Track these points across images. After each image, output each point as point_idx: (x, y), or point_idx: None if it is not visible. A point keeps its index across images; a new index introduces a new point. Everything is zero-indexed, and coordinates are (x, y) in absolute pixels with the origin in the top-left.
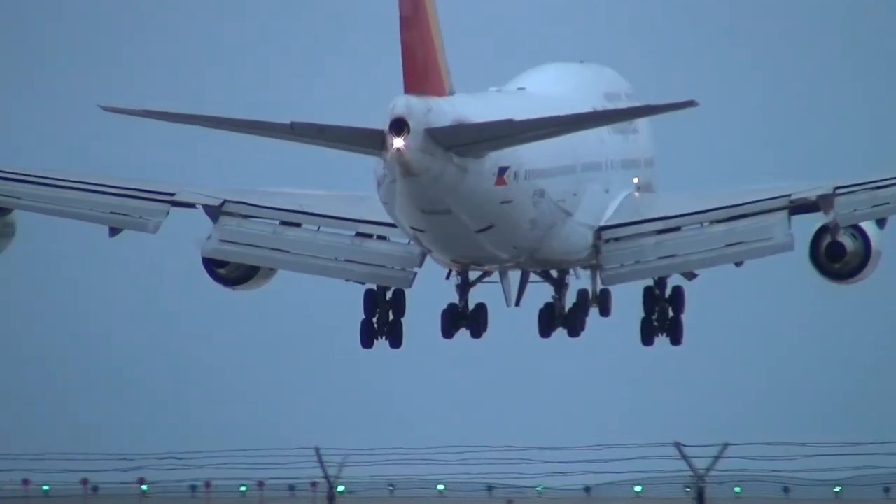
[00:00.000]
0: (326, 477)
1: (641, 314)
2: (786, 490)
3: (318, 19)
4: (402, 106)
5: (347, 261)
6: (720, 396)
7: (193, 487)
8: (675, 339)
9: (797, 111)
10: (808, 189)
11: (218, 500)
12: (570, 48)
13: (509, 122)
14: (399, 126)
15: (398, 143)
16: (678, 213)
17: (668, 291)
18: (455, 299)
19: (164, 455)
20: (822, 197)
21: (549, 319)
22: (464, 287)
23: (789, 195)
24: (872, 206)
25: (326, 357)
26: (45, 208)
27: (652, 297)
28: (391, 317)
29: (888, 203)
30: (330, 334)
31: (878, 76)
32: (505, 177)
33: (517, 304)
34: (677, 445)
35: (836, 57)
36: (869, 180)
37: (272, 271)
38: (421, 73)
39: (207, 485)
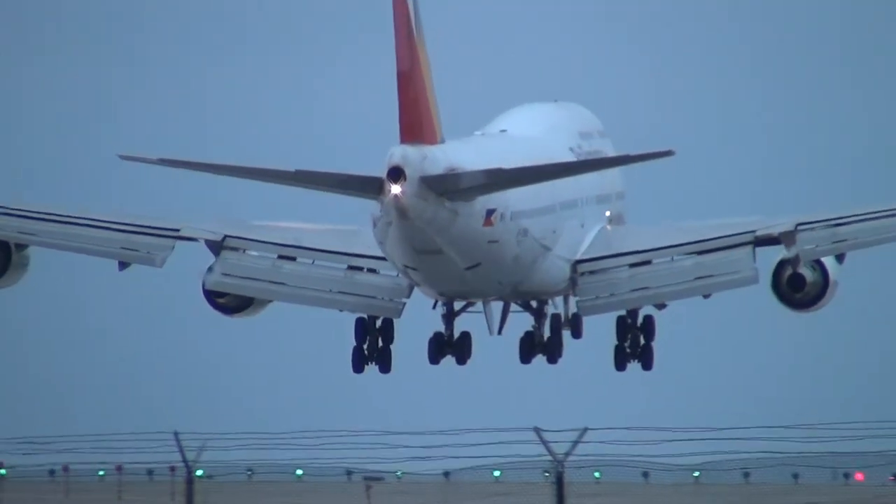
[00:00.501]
0: (185, 461)
1: (615, 342)
2: (645, 475)
3: (317, 66)
4: (399, 155)
5: (340, 292)
6: (580, 383)
7: (52, 472)
8: (647, 365)
9: (764, 147)
10: (772, 226)
11: (76, 484)
12: (546, 85)
13: (498, 171)
14: (396, 174)
15: (395, 189)
16: (649, 247)
17: (639, 320)
18: (441, 328)
19: (22, 440)
20: (785, 234)
21: (530, 347)
22: (449, 317)
23: (754, 231)
24: (833, 243)
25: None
26: (60, 244)
27: (624, 326)
28: (381, 344)
29: (847, 240)
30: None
31: (841, 115)
32: (492, 218)
33: (499, 332)
34: (536, 430)
35: (802, 93)
36: (829, 217)
37: (268, 300)
38: (416, 124)
39: (66, 469)
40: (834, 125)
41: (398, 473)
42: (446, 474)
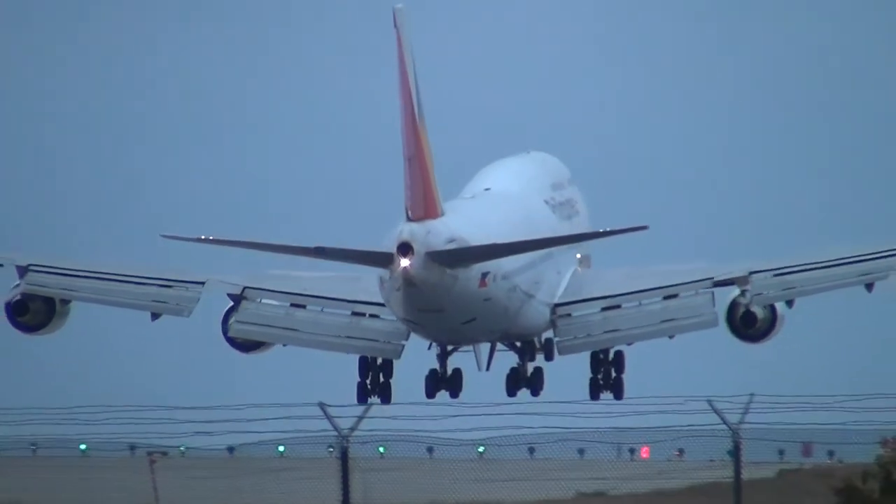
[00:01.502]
0: None
1: (589, 374)
2: (430, 450)
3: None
4: (407, 233)
5: (346, 337)
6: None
7: None
8: (618, 395)
9: (724, 194)
10: (728, 273)
11: None
12: (518, 131)
13: (494, 246)
14: (405, 249)
15: (404, 262)
16: (619, 292)
17: (611, 355)
18: (436, 365)
19: None
20: (739, 279)
21: (515, 382)
22: (443, 356)
23: (712, 277)
24: (782, 290)
25: None
26: (97, 299)
27: (597, 361)
28: (382, 379)
29: (795, 287)
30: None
31: (795, 160)
32: (487, 280)
33: (487, 369)
34: (321, 406)
35: (757, 151)
36: (780, 266)
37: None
38: (420, 202)
39: None
40: (788, 180)
41: (181, 448)
42: (230, 449)
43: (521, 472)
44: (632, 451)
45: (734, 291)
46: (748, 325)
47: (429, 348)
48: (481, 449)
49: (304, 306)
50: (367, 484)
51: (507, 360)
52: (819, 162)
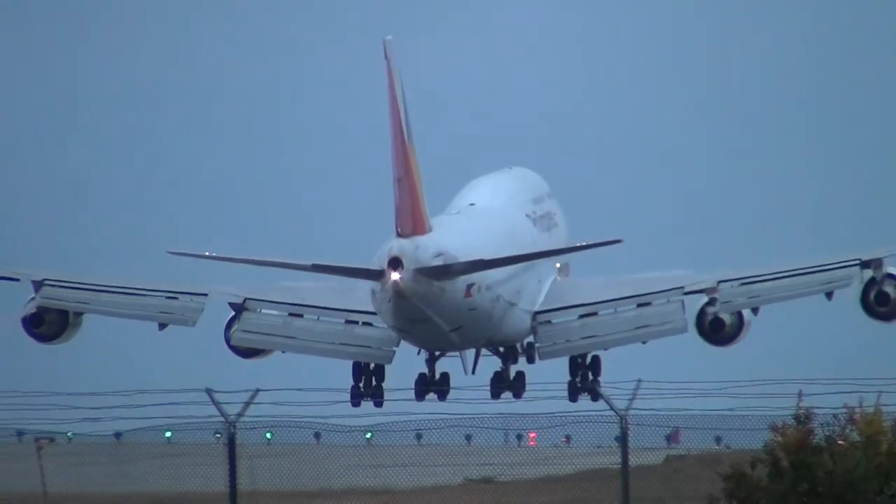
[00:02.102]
0: None
1: (568, 377)
2: (317, 436)
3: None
4: (397, 249)
5: (341, 343)
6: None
7: None
8: (594, 397)
9: (697, 207)
10: (698, 282)
11: None
12: (499, 149)
13: (479, 261)
14: (395, 264)
15: (394, 276)
16: (596, 300)
17: (588, 360)
18: (425, 370)
19: None
20: (708, 289)
21: (499, 384)
22: (431, 361)
23: (683, 287)
24: (748, 298)
25: None
26: (108, 311)
27: (576, 365)
28: (374, 383)
29: (759, 296)
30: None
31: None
32: (472, 291)
33: (473, 372)
34: (208, 391)
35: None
36: (747, 276)
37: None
38: (409, 220)
39: None
40: (754, 194)
41: (69, 434)
42: (118, 435)
43: (408, 457)
44: (519, 437)
45: (703, 299)
46: (716, 330)
47: (418, 353)
48: (369, 435)
49: (301, 315)
50: (254, 470)
51: (491, 364)
52: (784, 176)
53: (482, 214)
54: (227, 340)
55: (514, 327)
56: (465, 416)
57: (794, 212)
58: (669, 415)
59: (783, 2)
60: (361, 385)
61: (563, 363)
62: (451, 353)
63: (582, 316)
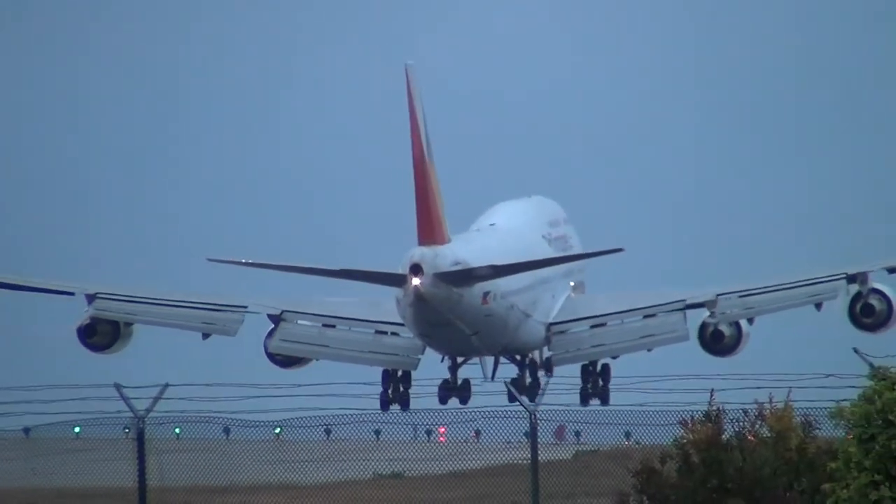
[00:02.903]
0: None
1: (580, 384)
2: (226, 431)
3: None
4: (418, 255)
5: (371, 352)
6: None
7: None
8: (604, 402)
9: (701, 225)
10: (698, 296)
11: None
12: (525, 180)
13: (491, 267)
14: (416, 269)
15: (415, 281)
16: (604, 312)
17: (598, 367)
18: (447, 376)
19: None
20: (708, 302)
21: (516, 391)
22: (454, 367)
23: (685, 300)
24: (744, 309)
25: None
26: (156, 322)
27: (587, 372)
28: (401, 388)
29: (754, 308)
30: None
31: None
32: (488, 298)
33: (492, 379)
34: (117, 386)
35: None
36: (743, 289)
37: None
38: (429, 230)
39: None
40: (753, 212)
41: None
42: (26, 430)
43: (318, 453)
44: (428, 432)
45: (704, 313)
46: (717, 341)
47: (441, 361)
48: (278, 430)
49: (334, 326)
50: (163, 465)
51: (509, 371)
52: (779, 192)
53: (501, 233)
54: (266, 349)
55: (528, 336)
56: (374, 412)
57: (789, 226)
58: (579, 410)
59: (779, 24)
60: (390, 391)
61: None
62: (472, 362)
63: (592, 326)
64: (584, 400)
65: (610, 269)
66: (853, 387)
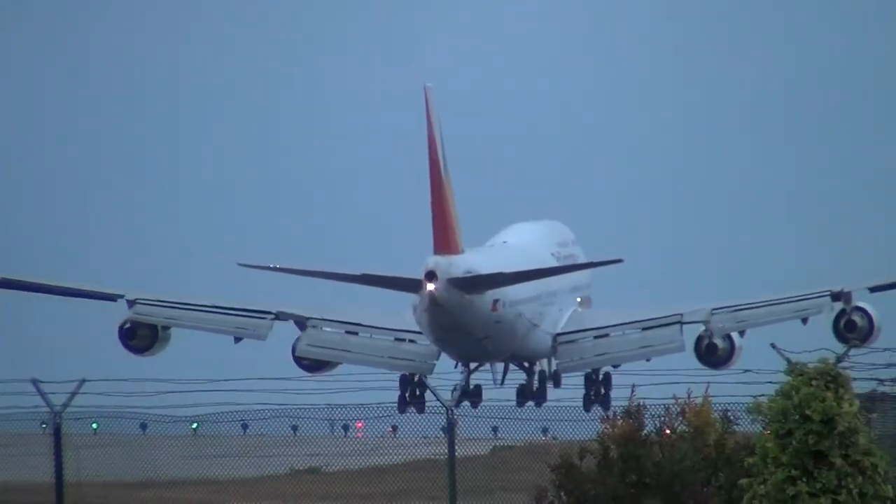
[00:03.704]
0: None
1: (583, 391)
2: (143, 426)
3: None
4: (433, 263)
5: (390, 357)
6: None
7: None
8: (605, 408)
9: (698, 243)
10: (694, 311)
11: None
12: (537, 204)
13: (501, 274)
14: (431, 276)
15: (430, 287)
16: (607, 324)
17: (600, 376)
18: (460, 381)
19: None
20: (703, 317)
21: (523, 395)
22: (466, 374)
23: (681, 314)
24: (736, 323)
25: None
26: (192, 326)
27: (590, 380)
28: (418, 392)
29: (746, 321)
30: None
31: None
32: (497, 305)
33: (502, 384)
34: (34, 381)
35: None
36: (734, 304)
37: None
38: (444, 240)
39: None
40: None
41: None
42: None
43: (235, 448)
44: (346, 427)
45: (700, 328)
46: (711, 354)
47: (455, 367)
48: (195, 425)
49: (356, 333)
50: (80, 461)
51: (518, 376)
52: (768, 214)
53: (512, 249)
54: (293, 353)
55: (536, 344)
56: (291, 407)
57: (780, 241)
58: (496, 406)
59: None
60: (407, 394)
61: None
62: (483, 368)
63: (596, 337)
64: (587, 406)
65: (613, 282)
66: (771, 382)
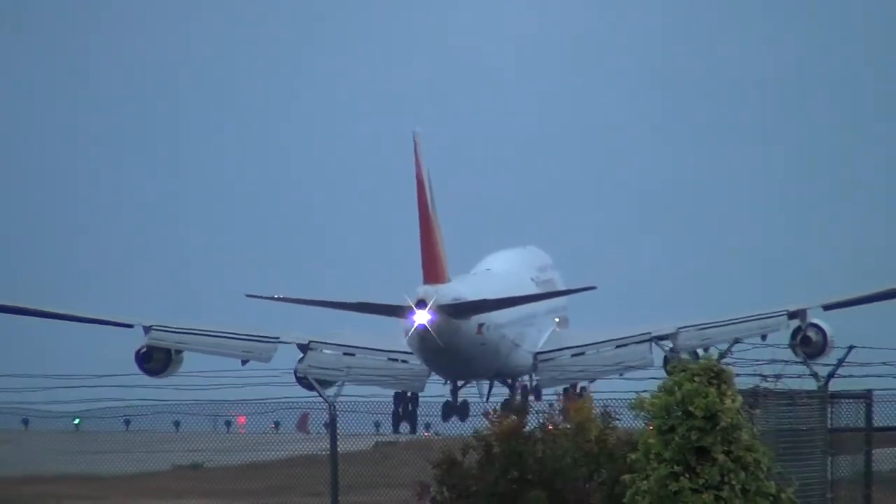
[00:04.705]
0: None
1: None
2: (25, 422)
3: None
4: (422, 292)
5: (383, 376)
6: None
7: None
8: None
9: (666, 265)
10: (661, 328)
11: None
12: (520, 229)
13: (485, 301)
14: (421, 304)
15: (420, 314)
16: (583, 342)
17: (578, 389)
18: (449, 397)
19: None
20: (671, 334)
21: (507, 410)
22: (454, 390)
23: (650, 332)
24: (701, 340)
25: None
26: (203, 350)
27: (567, 394)
28: (410, 408)
29: (710, 338)
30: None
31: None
32: (482, 329)
33: (487, 400)
34: None
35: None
36: (700, 323)
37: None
38: (432, 271)
39: None
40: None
41: None
42: None
43: (117, 444)
44: (228, 423)
45: (669, 344)
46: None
47: (444, 384)
48: (77, 421)
49: (353, 354)
50: None
51: (503, 391)
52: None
53: (495, 275)
54: (295, 373)
55: (518, 363)
56: (174, 403)
57: (743, 269)
58: (379, 401)
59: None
60: (400, 410)
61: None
62: (470, 385)
63: (573, 355)
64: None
65: (587, 303)
66: (654, 378)
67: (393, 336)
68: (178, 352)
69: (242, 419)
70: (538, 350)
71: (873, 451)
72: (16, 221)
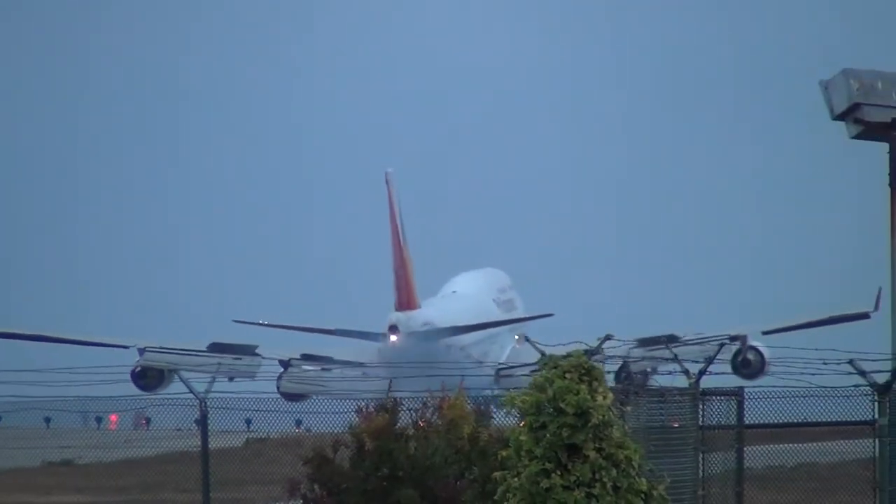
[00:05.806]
0: None
1: None
2: None
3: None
4: (394, 319)
5: (358, 389)
6: None
7: None
8: None
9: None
10: (615, 348)
11: None
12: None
13: (454, 328)
14: (393, 329)
15: (393, 338)
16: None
17: None
18: None
19: None
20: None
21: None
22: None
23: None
24: (649, 361)
25: None
26: (194, 369)
27: None
28: None
29: (656, 360)
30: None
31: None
32: (450, 350)
33: None
34: None
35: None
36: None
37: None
38: (404, 299)
39: None
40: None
41: None
42: None
43: None
44: (99, 419)
45: (619, 363)
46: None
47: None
48: None
49: (330, 370)
50: None
51: None
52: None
53: (459, 298)
54: (278, 388)
55: (482, 378)
56: (44, 399)
57: (691, 293)
58: (250, 397)
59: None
60: None
61: None
62: None
63: (532, 372)
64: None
65: (552, 326)
66: (526, 375)
67: (365, 351)
68: (171, 371)
69: (114, 416)
70: (500, 365)
71: (745, 449)
72: (15, 224)
